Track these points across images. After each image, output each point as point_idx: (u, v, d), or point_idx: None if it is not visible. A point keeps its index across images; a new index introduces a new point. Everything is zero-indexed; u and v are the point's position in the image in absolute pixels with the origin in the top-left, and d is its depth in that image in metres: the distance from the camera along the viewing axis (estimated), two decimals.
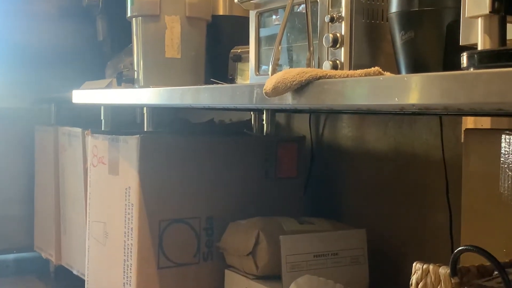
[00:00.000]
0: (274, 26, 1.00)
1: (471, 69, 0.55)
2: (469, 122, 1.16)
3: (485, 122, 1.12)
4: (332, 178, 1.56)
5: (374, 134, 1.43)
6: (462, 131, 1.13)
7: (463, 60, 0.56)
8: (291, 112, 1.64)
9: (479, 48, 0.59)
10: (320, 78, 0.69)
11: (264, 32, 1.02)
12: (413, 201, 1.32)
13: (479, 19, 0.59)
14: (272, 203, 1.43)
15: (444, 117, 1.24)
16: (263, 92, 0.74)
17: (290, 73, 0.71)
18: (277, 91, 0.72)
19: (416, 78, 0.56)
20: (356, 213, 1.48)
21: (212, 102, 0.93)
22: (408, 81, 0.56)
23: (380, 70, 0.66)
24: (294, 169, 1.48)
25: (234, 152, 1.40)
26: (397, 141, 1.37)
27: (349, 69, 0.84)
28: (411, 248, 1.33)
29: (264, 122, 1.64)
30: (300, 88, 0.71)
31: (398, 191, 1.36)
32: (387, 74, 0.67)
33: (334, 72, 0.69)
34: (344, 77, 0.67)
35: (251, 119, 1.69)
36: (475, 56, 0.55)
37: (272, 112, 1.60)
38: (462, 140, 1.09)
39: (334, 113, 1.52)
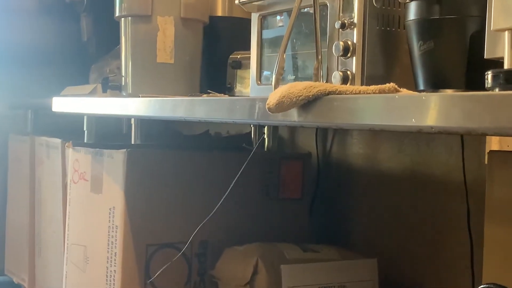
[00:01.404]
0: (278, 28, 1.01)
1: (497, 90, 0.55)
2: (493, 142, 1.16)
3: (511, 143, 1.12)
4: (341, 201, 1.56)
5: (388, 152, 1.43)
6: (486, 152, 1.13)
7: (487, 79, 0.57)
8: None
9: (506, 64, 0.59)
10: (329, 93, 0.70)
11: (266, 34, 1.02)
12: (430, 228, 1.32)
13: (506, 33, 0.59)
14: (273, 227, 1.43)
15: (466, 136, 1.24)
16: (266, 107, 0.75)
17: (296, 87, 0.72)
18: (281, 107, 0.73)
19: (436, 98, 0.56)
20: (367, 240, 1.48)
21: (208, 116, 0.93)
22: (426, 100, 0.57)
23: (396, 86, 0.67)
24: (299, 190, 1.49)
25: (232, 170, 1.39)
26: (413, 160, 1.37)
27: (361, 81, 0.84)
28: (427, 280, 1.33)
29: (265, 136, 1.64)
30: (307, 104, 0.71)
31: (414, 216, 1.36)
32: (404, 91, 0.67)
33: (345, 87, 0.70)
34: (356, 93, 0.68)
35: (251, 132, 1.69)
36: (501, 75, 0.55)
37: (275, 125, 1.61)
38: (486, 162, 1.09)
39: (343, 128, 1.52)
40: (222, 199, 1.23)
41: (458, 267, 1.26)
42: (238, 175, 1.24)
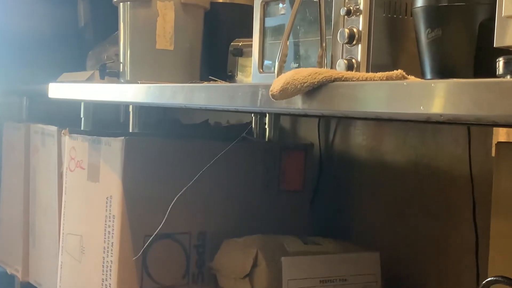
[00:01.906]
0: (280, 16, 1.01)
1: (508, 77, 0.55)
2: (501, 134, 1.16)
3: None
4: (343, 193, 1.56)
5: (392, 144, 1.44)
6: (493, 144, 1.13)
7: (498, 66, 0.57)
8: (298, 115, 1.64)
9: None
10: (335, 80, 0.70)
11: (269, 22, 1.02)
12: (434, 221, 1.33)
13: None
14: (273, 219, 1.44)
15: (473, 127, 1.24)
16: (269, 94, 0.75)
17: (300, 74, 0.72)
18: (285, 93, 0.73)
19: (445, 85, 0.56)
20: (370, 233, 1.48)
21: (208, 103, 0.93)
22: (435, 87, 0.57)
23: (404, 73, 0.67)
24: (300, 181, 1.49)
25: (232, 160, 1.40)
26: (418, 152, 1.37)
27: (367, 70, 0.84)
28: (431, 274, 1.34)
29: (266, 126, 1.64)
30: (312, 91, 0.71)
31: (418, 209, 1.36)
32: (412, 78, 0.67)
33: (351, 74, 0.70)
34: (362, 80, 0.68)
35: (251, 122, 1.69)
36: None
37: (276, 115, 1.60)
38: (493, 154, 1.09)
39: (347, 118, 1.52)
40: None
41: (463, 261, 1.26)
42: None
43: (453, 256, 1.29)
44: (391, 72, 0.67)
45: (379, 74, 0.67)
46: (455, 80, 0.56)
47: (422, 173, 1.36)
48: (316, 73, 0.71)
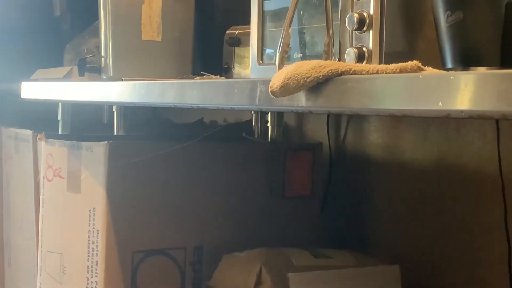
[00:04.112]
0: None
1: None
2: None
3: None
4: (357, 198, 1.56)
5: (412, 141, 1.43)
6: None
7: None
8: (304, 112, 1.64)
9: None
10: (342, 74, 0.70)
11: (269, 6, 1.02)
12: (461, 229, 1.33)
13: None
14: (278, 229, 1.44)
15: (502, 120, 1.24)
16: (269, 90, 0.75)
17: (303, 67, 0.72)
18: (286, 89, 0.73)
19: (466, 77, 0.56)
20: (388, 243, 1.48)
21: (202, 101, 0.93)
22: (455, 80, 0.57)
23: (420, 65, 0.67)
24: (308, 186, 1.49)
25: (230, 163, 1.40)
26: (441, 150, 1.37)
27: (379, 58, 0.84)
28: (457, 287, 1.34)
29: (269, 124, 1.64)
30: (317, 86, 0.71)
31: (442, 214, 1.36)
32: (429, 69, 0.67)
33: (360, 66, 0.70)
34: (373, 73, 0.68)
35: (252, 120, 1.69)
36: None
37: (280, 112, 1.60)
38: None
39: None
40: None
41: (494, 272, 1.26)
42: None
43: (483, 267, 1.29)
44: (405, 64, 0.67)
45: (392, 66, 0.67)
46: (477, 71, 0.56)
47: (445, 173, 1.36)
48: (320, 66, 0.71)
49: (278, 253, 1.29)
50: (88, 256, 1.31)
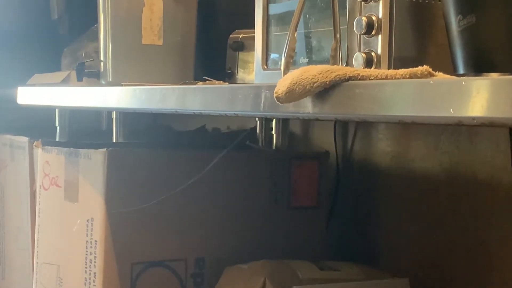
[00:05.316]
0: (286, 2, 1.01)
1: None
2: None
3: None
4: (364, 209, 1.56)
5: (422, 150, 1.43)
6: None
7: None
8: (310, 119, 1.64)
9: None
10: (350, 79, 0.70)
11: (274, 9, 1.02)
12: (473, 242, 1.32)
13: None
14: (283, 241, 1.44)
15: None
16: (274, 96, 0.75)
17: (310, 72, 0.72)
18: (292, 95, 0.73)
19: (479, 83, 0.56)
20: (397, 255, 1.48)
21: (204, 107, 0.93)
22: (467, 86, 0.57)
23: (430, 70, 0.67)
24: (314, 196, 1.49)
25: (233, 172, 1.40)
26: (453, 159, 1.37)
27: (388, 64, 0.84)
28: None
29: (273, 132, 1.64)
30: (323, 92, 0.72)
31: (453, 227, 1.36)
32: (439, 75, 0.67)
33: (368, 71, 0.70)
34: (381, 78, 0.68)
35: (256, 127, 1.69)
36: None
37: (284, 119, 1.61)
38: None
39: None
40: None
41: (508, 287, 1.26)
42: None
43: (497, 283, 1.29)
44: (415, 69, 0.67)
45: (401, 71, 0.67)
46: (490, 77, 0.56)
47: (457, 183, 1.36)
48: (327, 71, 0.71)
49: (282, 265, 1.29)
50: (86, 267, 1.31)
